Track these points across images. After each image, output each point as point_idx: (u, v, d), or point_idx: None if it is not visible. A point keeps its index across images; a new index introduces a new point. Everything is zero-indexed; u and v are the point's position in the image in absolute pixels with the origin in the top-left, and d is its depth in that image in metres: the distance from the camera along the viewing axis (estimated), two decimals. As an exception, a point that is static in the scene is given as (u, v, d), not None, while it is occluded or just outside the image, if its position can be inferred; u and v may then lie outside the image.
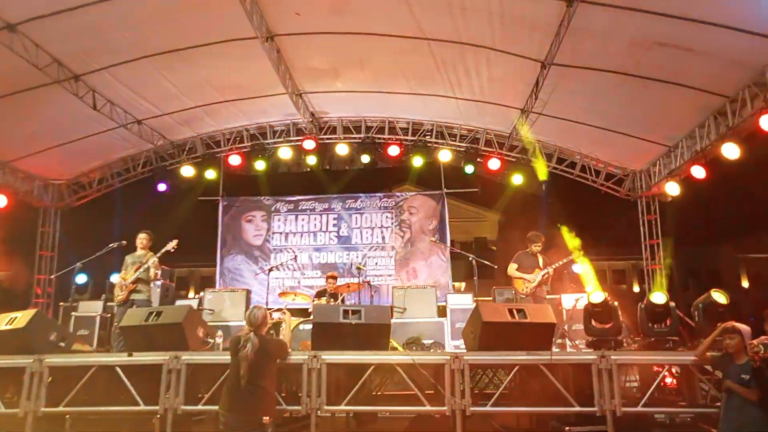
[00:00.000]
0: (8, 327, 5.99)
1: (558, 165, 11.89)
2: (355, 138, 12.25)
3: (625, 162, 11.69)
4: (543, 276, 8.37)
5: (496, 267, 9.55)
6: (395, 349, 6.75)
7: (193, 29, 8.63)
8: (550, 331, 5.88)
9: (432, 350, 7.90)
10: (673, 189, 10.33)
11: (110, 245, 8.27)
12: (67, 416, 5.53)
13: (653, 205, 11.77)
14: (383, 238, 12.80)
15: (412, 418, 6.60)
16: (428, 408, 5.48)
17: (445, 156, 12.01)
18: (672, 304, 6.44)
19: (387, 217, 12.95)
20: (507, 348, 5.60)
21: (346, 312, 5.92)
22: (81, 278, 10.13)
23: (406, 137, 12.15)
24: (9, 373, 5.84)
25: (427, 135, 12.13)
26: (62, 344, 6.08)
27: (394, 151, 11.98)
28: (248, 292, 9.97)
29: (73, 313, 9.21)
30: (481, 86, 10.06)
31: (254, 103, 11.24)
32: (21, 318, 6.01)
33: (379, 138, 12.20)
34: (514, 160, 11.90)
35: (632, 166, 11.69)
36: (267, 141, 12.36)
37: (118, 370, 5.59)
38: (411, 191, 13.59)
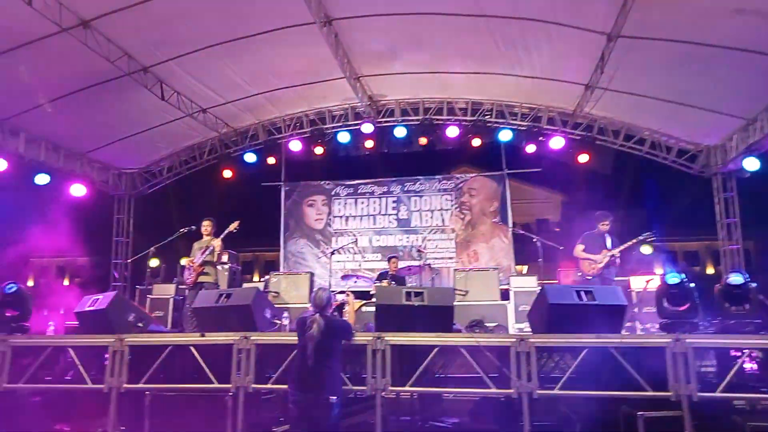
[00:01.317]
0: (91, 308, 6.40)
1: (626, 142, 11.42)
2: (413, 120, 12.17)
3: (698, 137, 11.08)
4: (611, 257, 8.10)
5: (562, 248, 9.31)
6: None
7: (253, 17, 8.78)
8: (621, 313, 5.69)
9: (496, 333, 7.82)
10: (751, 164, 9.72)
11: (180, 230, 8.61)
12: (147, 393, 5.83)
13: (729, 182, 11.12)
14: (443, 220, 12.73)
15: (477, 400, 6.58)
16: (494, 390, 5.43)
17: (505, 136, 11.75)
18: (753, 284, 6.09)
19: (446, 199, 12.86)
20: (574, 331, 5.47)
21: (408, 294, 5.93)
22: (154, 262, 10.63)
23: (465, 118, 11.95)
24: (93, 350, 6.24)
25: (487, 115, 11.89)
26: (140, 324, 6.41)
27: (452, 132, 11.83)
28: (311, 274, 10.17)
29: (148, 295, 9.69)
30: (542, 63, 9.76)
31: (313, 88, 11.35)
32: (102, 299, 6.40)
33: (437, 119, 12.07)
34: (578, 138, 11.52)
35: (706, 141, 11.06)
36: (326, 126, 12.46)
37: (192, 349, 5.83)
38: (470, 173, 13.39)
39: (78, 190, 11.32)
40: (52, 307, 9.35)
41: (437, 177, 13.11)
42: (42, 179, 10.65)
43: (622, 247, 8.13)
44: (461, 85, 11.30)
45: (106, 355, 6.17)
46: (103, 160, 12.24)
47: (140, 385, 5.81)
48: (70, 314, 8.20)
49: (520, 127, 11.80)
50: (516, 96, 11.44)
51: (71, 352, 6.14)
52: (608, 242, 8.23)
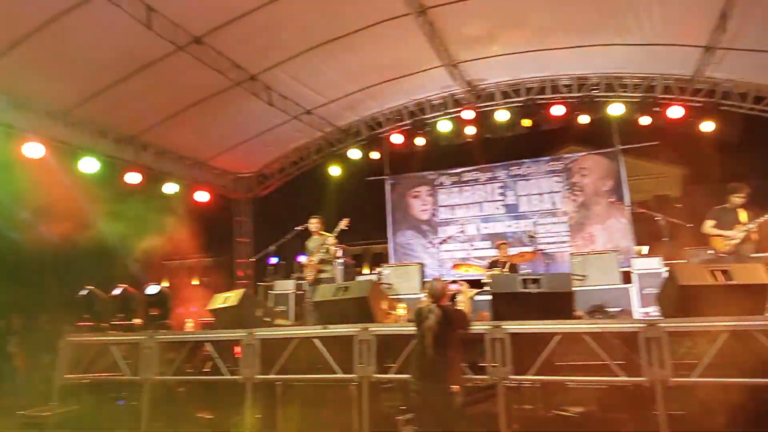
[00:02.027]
0: (224, 305, 6.91)
1: (755, 105, 10.36)
2: (514, 102, 11.82)
3: None
4: (746, 232, 7.40)
5: (690, 225, 8.64)
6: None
7: (349, 16, 8.96)
8: (764, 292, 5.19)
9: (621, 318, 7.45)
10: None
11: (296, 228, 9.02)
12: (278, 383, 6.19)
13: None
14: (553, 203, 12.28)
15: (603, 389, 6.30)
16: (625, 379, 5.19)
17: (616, 110, 11.07)
18: None
19: (556, 181, 12.39)
20: (710, 313, 5.07)
21: (525, 281, 5.81)
22: (273, 260, 11.21)
23: (570, 94, 11.42)
24: (226, 344, 6.73)
25: (594, 89, 11.29)
26: (267, 319, 6.82)
27: (558, 110, 11.35)
28: (421, 265, 10.23)
29: (270, 291, 10.26)
30: (654, 28, 9.08)
31: (411, 79, 11.37)
32: (233, 297, 6.89)
33: (540, 99, 11.64)
34: (699, 105, 10.61)
35: None
36: (426, 116, 12.45)
37: (317, 341, 6.10)
38: (580, 151, 12.79)
39: (201, 196, 12.22)
40: (186, 305, 10.15)
41: (544, 159, 12.66)
42: (169, 188, 11.59)
43: (760, 220, 7.40)
44: (564, 61, 10.81)
45: (236, 348, 6.65)
46: (221, 166, 13.10)
47: (271, 376, 6.17)
48: (202, 311, 8.88)
49: (632, 99, 11.08)
50: (626, 66, 10.76)
51: (209, 346, 6.65)
52: (742, 216, 7.53)
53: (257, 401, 6.28)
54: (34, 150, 8.94)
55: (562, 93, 11.48)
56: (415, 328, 5.19)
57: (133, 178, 10.72)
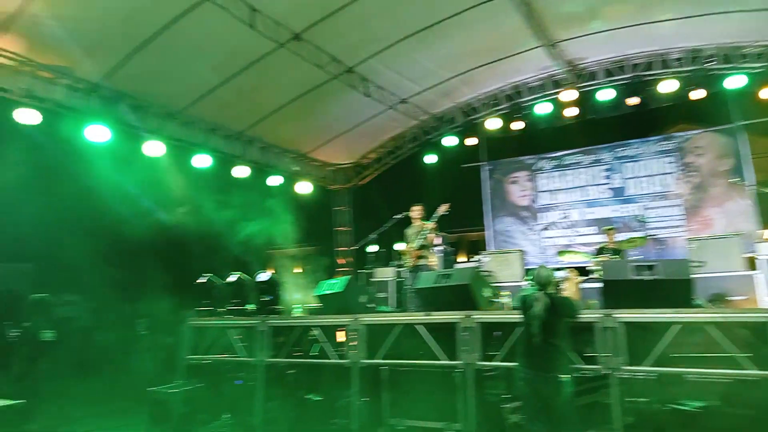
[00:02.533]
0: (330, 291, 7.17)
1: None
2: (619, 80, 11.22)
3: None
4: None
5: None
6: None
7: (441, 3, 8.90)
8: None
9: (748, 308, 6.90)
10: None
11: (394, 217, 9.12)
12: (383, 368, 6.34)
13: None
14: (665, 185, 11.53)
15: (726, 383, 5.87)
16: (756, 372, 4.81)
17: (734, 83, 10.18)
18: None
19: (668, 162, 11.61)
20: None
21: (638, 267, 5.53)
22: (372, 248, 11.42)
23: (682, 69, 10.65)
24: (330, 329, 6.99)
25: (709, 62, 10.45)
26: (371, 305, 6.98)
27: (668, 86, 10.61)
28: (522, 252, 10.01)
29: (370, 278, 10.48)
30: (781, -12, 8.26)
31: (507, 63, 11.12)
32: (339, 283, 7.13)
33: (647, 75, 10.96)
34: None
35: None
36: (523, 99, 12.13)
37: (420, 328, 6.17)
38: (694, 129, 11.89)
39: (303, 187, 12.74)
40: (292, 292, 10.58)
41: (654, 138, 11.90)
42: (274, 180, 12.17)
43: None
44: (674, 33, 10.09)
45: (338, 332, 6.88)
46: (321, 158, 13.53)
47: (377, 360, 6.33)
48: (307, 298, 9.25)
49: (753, 71, 10.14)
50: (745, 35, 9.87)
51: (316, 330, 6.93)
52: None
53: (363, 385, 6.46)
54: (154, 148, 9.72)
55: (672, 68, 10.74)
56: (520, 316, 5.11)
57: (241, 171, 11.38)
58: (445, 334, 6.13)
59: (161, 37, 8.31)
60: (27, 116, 8.19)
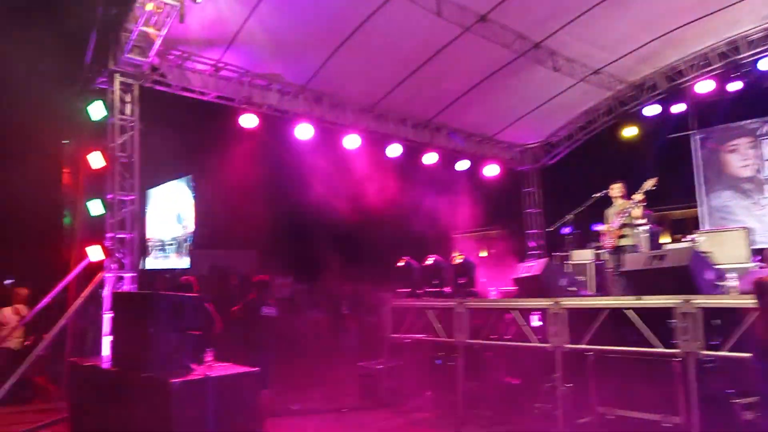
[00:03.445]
0: (527, 274, 7.05)
1: None
2: None
3: None
4: None
5: None
6: None
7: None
8: None
9: None
10: None
11: (593, 196, 8.62)
12: (589, 353, 6.07)
13: None
14: None
15: None
16: None
17: None
18: None
19: None
20: None
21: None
22: (565, 229, 10.93)
23: None
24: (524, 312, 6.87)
25: None
26: (572, 288, 6.72)
27: None
28: (747, 230, 8.78)
29: (566, 261, 10.04)
30: None
31: (720, 16, 9.73)
32: (536, 266, 6.98)
33: None
34: None
35: None
36: (741, 56, 10.55)
37: (630, 313, 5.78)
38: None
39: (491, 170, 12.69)
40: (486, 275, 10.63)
41: None
42: (462, 165, 12.31)
43: None
44: None
45: (531, 316, 6.73)
46: (507, 140, 13.29)
47: (583, 346, 6.09)
48: (500, 281, 9.20)
49: None
50: None
51: (515, 313, 6.87)
52: None
53: (566, 371, 6.26)
54: (352, 141, 10.48)
55: None
56: (755, 302, 4.54)
57: (429, 158, 11.72)
58: (652, 320, 5.67)
59: (354, 37, 8.87)
60: (248, 121, 9.35)
